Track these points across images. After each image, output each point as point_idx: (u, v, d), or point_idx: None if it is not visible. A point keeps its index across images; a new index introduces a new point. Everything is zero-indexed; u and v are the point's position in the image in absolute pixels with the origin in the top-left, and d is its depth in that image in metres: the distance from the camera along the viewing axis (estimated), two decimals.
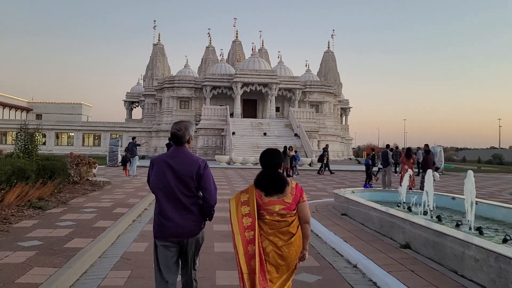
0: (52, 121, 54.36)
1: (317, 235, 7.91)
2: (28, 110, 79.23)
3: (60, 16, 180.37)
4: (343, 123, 62.50)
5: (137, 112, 68.30)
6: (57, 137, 51.72)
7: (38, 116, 74.62)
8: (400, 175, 16.69)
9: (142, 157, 44.86)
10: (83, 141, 51.41)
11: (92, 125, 53.01)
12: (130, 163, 18.68)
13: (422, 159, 16.40)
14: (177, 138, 3.66)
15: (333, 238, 7.25)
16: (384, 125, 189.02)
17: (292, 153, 23.75)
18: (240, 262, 3.36)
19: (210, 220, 3.73)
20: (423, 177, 16.04)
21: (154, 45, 57.49)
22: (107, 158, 27.63)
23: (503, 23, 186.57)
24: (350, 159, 56.19)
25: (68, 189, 12.11)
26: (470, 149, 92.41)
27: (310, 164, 33.29)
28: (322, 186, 17.47)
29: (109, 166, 26.76)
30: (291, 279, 3.51)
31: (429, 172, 8.99)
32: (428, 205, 8.97)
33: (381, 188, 16.39)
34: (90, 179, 14.61)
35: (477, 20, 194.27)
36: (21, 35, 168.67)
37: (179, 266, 3.69)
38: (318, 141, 44.99)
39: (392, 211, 7.45)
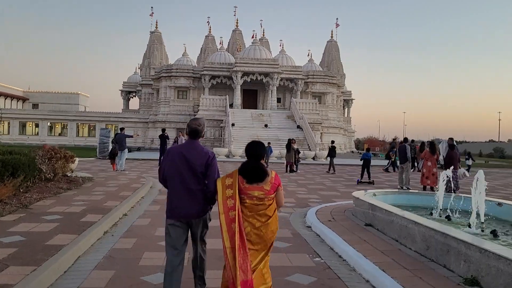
0: (44, 110, 52.46)
1: (340, 256, 6.08)
2: (24, 99, 77.13)
3: (57, 4, 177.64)
4: (346, 115, 60.61)
5: (135, 102, 66.47)
6: (50, 127, 49.78)
7: (34, 106, 72.64)
8: (421, 172, 14.85)
9: (138, 149, 43.12)
10: (77, 132, 49.47)
11: (86, 115, 51.02)
12: (119, 156, 16.82)
13: (446, 155, 14.54)
14: (196, 132, 4.12)
15: (365, 264, 5.41)
16: (384, 118, 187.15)
17: (296, 146, 21.84)
18: (224, 237, 3.77)
19: (213, 204, 4.10)
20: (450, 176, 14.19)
21: (151, 32, 55.33)
22: (97, 150, 25.76)
23: (504, 16, 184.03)
24: (352, 152, 54.50)
25: (38, 188, 10.26)
26: (469, 142, 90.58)
27: (313, 158, 31.43)
28: (331, 184, 15.63)
29: (99, 158, 24.90)
30: (269, 255, 3.95)
31: (481, 172, 7.11)
32: (474, 213, 7.10)
33: (402, 189, 14.60)
34: (69, 175, 12.76)
35: (478, 14, 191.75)
36: (17, 24, 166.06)
37: (187, 243, 4.13)
38: (321, 133, 43.14)
39: (446, 228, 5.59)
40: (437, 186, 14.41)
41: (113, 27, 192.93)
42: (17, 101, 75.02)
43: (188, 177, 3.99)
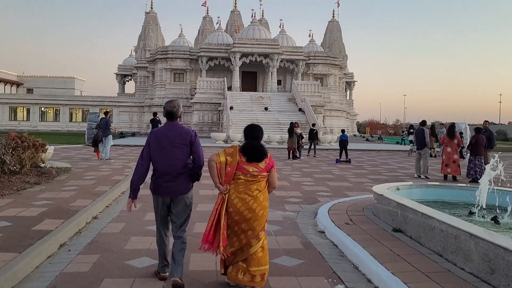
0: (36, 95, 50.68)
1: (369, 280, 4.51)
2: (18, 84, 75.11)
3: None
4: (348, 97, 58.84)
5: (131, 86, 64.53)
6: (42, 112, 48.04)
7: (29, 91, 70.72)
8: (442, 159, 13.25)
9: (132, 134, 41.52)
10: (71, 117, 47.75)
11: (79, 100, 49.28)
12: (103, 143, 15.18)
13: (471, 139, 12.92)
14: (172, 114, 4.29)
15: None
16: (384, 101, 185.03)
17: (299, 130, 20.19)
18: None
19: (198, 180, 4.40)
20: (474, 164, 12.63)
21: (146, 13, 53.20)
22: (85, 136, 24.04)
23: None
24: (355, 135, 52.96)
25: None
26: (470, 124, 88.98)
27: (317, 143, 29.72)
28: (340, 173, 14.03)
29: (88, 145, 23.22)
30: (265, 236, 4.26)
31: None
32: None
33: (419, 178, 13.03)
34: (41, 166, 11.17)
35: None
36: (10, 7, 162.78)
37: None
38: (324, 116, 41.46)
39: None
40: (459, 174, 12.92)
41: (108, 9, 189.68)
42: (11, 86, 73.04)
43: (172, 155, 4.19)
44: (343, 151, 18.76)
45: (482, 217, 6.66)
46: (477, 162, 12.65)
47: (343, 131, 20.51)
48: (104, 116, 15.82)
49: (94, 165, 13.37)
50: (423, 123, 13.75)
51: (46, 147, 11.09)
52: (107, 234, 6.02)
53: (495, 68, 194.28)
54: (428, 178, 13.02)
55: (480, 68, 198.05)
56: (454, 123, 13.91)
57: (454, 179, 12.69)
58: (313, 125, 23.85)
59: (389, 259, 4.87)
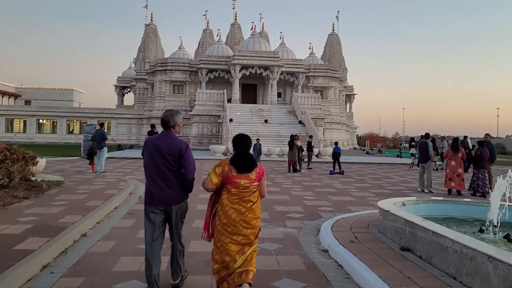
0: (33, 106, 50.35)
1: None
2: (16, 96, 74.70)
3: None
4: (348, 110, 58.56)
5: (130, 98, 64.29)
6: (39, 124, 47.66)
7: (27, 102, 70.28)
8: (445, 172, 12.84)
9: (131, 147, 41.08)
10: (68, 129, 47.37)
11: (77, 112, 48.91)
12: (97, 155, 14.78)
13: (474, 153, 12.56)
14: (164, 122, 4.29)
15: None
16: (383, 114, 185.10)
17: (300, 143, 19.79)
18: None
19: (189, 192, 4.35)
20: (477, 177, 12.26)
21: (146, 25, 53.17)
22: (82, 148, 23.71)
23: (503, 13, 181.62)
24: (355, 148, 52.64)
25: None
26: (472, 138, 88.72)
27: (317, 156, 29.36)
28: (342, 187, 13.63)
29: (84, 157, 22.84)
30: (257, 244, 4.20)
31: None
32: None
33: (423, 192, 12.64)
34: (32, 179, 10.77)
35: (477, 9, 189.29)
36: (9, 18, 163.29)
37: (164, 234, 4.29)
38: (324, 129, 41.12)
39: None
40: (463, 188, 12.52)
41: (108, 21, 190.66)
42: (9, 98, 72.59)
43: (162, 166, 4.16)
44: (336, 163, 19.26)
45: (494, 234, 6.26)
46: (480, 175, 12.31)
47: (336, 143, 20.94)
48: (99, 127, 15.39)
49: (88, 179, 12.95)
50: (427, 136, 13.38)
51: (37, 159, 10.70)
52: (95, 254, 5.60)
53: (493, 82, 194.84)
54: (432, 192, 12.63)
55: (478, 82, 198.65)
56: (457, 137, 13.49)
57: (459, 193, 12.29)
58: (310, 137, 23.80)
59: (400, 283, 4.46)
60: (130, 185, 11.67)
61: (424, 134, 13.56)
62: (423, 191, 12.76)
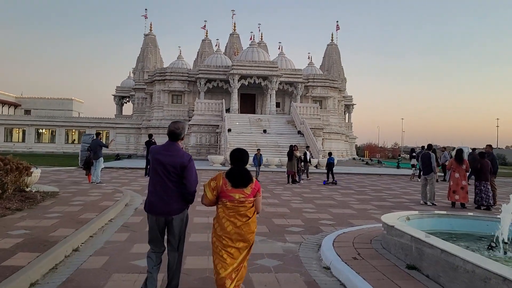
0: (31, 116, 50.15)
1: None
2: (16, 105, 74.55)
3: (50, 10, 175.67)
4: (347, 120, 58.41)
5: (129, 108, 64.16)
6: (38, 134, 47.41)
7: (27, 112, 70.08)
8: (449, 184, 12.59)
9: (129, 156, 40.78)
10: (67, 139, 47.12)
11: (76, 121, 48.66)
12: (94, 166, 14.54)
13: (475, 165, 12.34)
14: (175, 135, 4.33)
15: None
16: (382, 124, 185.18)
17: (299, 153, 19.55)
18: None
19: (190, 203, 4.37)
20: (480, 190, 12.05)
21: (145, 35, 53.13)
22: (79, 158, 23.46)
23: (501, 24, 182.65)
24: (354, 158, 52.44)
25: None
26: (473, 149, 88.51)
27: (316, 166, 29.13)
28: (342, 199, 13.39)
29: (81, 168, 22.58)
30: (247, 258, 4.24)
31: None
32: None
33: (425, 204, 12.40)
34: (27, 190, 10.51)
35: (475, 21, 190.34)
36: (9, 28, 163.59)
37: (164, 238, 4.34)
38: (323, 139, 40.93)
39: None
40: (467, 201, 12.29)
41: (107, 31, 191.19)
42: (9, 107, 72.49)
43: (163, 177, 4.19)
44: (330, 173, 19.33)
45: (504, 252, 6.02)
46: (482, 188, 12.08)
47: (330, 154, 20.98)
48: (95, 137, 15.15)
49: (83, 189, 12.69)
50: (429, 147, 13.17)
51: (31, 170, 10.46)
52: (86, 270, 5.34)
53: (492, 92, 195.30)
54: (435, 205, 12.40)
55: (477, 92, 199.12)
56: (461, 148, 13.29)
57: (463, 206, 12.05)
58: (307, 147, 23.54)
59: None
60: (126, 196, 11.42)
61: (426, 145, 13.34)
62: (425, 203, 12.52)
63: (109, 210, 9.13)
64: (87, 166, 14.69)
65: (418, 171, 22.83)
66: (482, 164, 12.22)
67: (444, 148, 23.47)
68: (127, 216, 9.22)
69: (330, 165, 19.66)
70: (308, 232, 8.05)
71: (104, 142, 19.87)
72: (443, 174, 21.92)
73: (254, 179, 4.24)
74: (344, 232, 7.72)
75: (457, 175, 12.22)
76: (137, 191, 13.53)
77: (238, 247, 4.09)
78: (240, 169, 4.18)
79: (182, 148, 4.43)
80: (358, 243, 6.87)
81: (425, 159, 12.67)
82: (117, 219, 8.82)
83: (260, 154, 18.58)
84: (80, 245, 6.51)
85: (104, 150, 15.32)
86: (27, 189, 10.51)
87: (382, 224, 6.82)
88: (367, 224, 8.80)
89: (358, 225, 8.70)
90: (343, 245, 6.66)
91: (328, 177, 19.26)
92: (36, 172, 11.34)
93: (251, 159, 17.63)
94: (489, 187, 12.21)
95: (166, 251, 4.41)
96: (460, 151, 12.57)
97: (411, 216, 7.45)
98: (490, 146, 14.07)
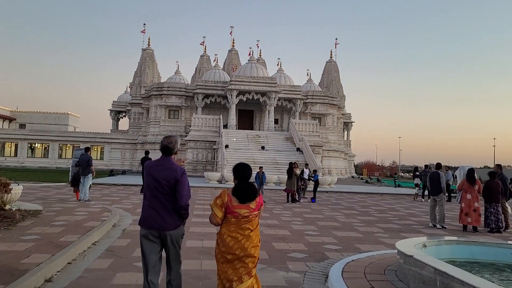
0: (25, 130, 49.34)
1: None
2: (11, 119, 73.74)
3: (46, 23, 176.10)
4: (345, 138, 57.80)
5: (125, 123, 63.37)
6: (31, 148, 46.54)
7: (22, 126, 69.24)
8: (460, 206, 11.81)
9: (123, 172, 39.94)
10: (60, 154, 46.25)
11: (70, 136, 47.77)
12: (82, 182, 13.73)
13: (485, 185, 11.61)
14: (168, 150, 4.34)
15: None
16: (380, 142, 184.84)
17: (298, 171, 18.75)
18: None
19: (184, 219, 4.34)
20: (490, 212, 11.32)
21: (143, 50, 52.76)
22: (70, 173, 22.55)
23: (498, 43, 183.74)
24: (353, 177, 51.76)
25: None
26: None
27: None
28: (345, 220, 12.59)
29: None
30: (255, 276, 4.11)
31: None
32: None
33: (434, 227, 11.64)
34: (6, 208, 9.69)
35: (474, 41, 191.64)
36: (5, 42, 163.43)
37: (161, 261, 4.28)
38: (322, 156, 40.20)
39: None
40: (480, 224, 11.52)
41: (105, 46, 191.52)
42: (3, 121, 71.64)
43: (156, 192, 4.20)
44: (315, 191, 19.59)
45: None
46: (492, 210, 11.35)
47: (315, 171, 21.81)
48: (84, 152, 14.34)
49: (69, 208, 11.84)
50: (438, 166, 12.42)
51: (10, 187, 9.65)
52: None
53: (489, 112, 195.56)
54: (445, 228, 11.62)
55: (474, 112, 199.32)
56: (472, 168, 12.56)
57: (475, 230, 11.28)
58: (306, 165, 22.63)
59: None
60: (114, 216, 10.59)
61: (436, 164, 12.60)
62: (435, 226, 11.75)
63: (93, 231, 8.32)
64: (75, 182, 13.88)
65: (421, 190, 22.12)
66: (491, 185, 11.50)
67: (448, 167, 22.71)
68: (113, 238, 8.40)
69: (316, 182, 20.01)
70: (313, 259, 7.26)
71: (98, 157, 18.94)
72: (447, 195, 21.16)
73: (259, 193, 4.24)
74: (353, 260, 6.92)
75: (469, 196, 11.47)
76: (127, 209, 12.71)
77: (245, 262, 4.00)
78: (245, 185, 4.14)
79: (183, 162, 4.55)
80: (370, 273, 6.08)
81: (434, 179, 11.92)
82: (102, 242, 8.00)
83: (263, 172, 17.66)
84: (55, 274, 5.71)
85: (95, 165, 14.45)
86: (6, 208, 9.69)
87: (398, 252, 6.05)
88: (376, 250, 8.03)
89: (366, 251, 7.93)
90: (353, 276, 5.89)
91: (315, 195, 19.21)
92: (17, 188, 10.52)
93: (253, 176, 16.78)
94: (500, 209, 11.47)
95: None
96: (471, 171, 11.83)
97: (428, 243, 6.68)
98: (499, 165, 13.34)
